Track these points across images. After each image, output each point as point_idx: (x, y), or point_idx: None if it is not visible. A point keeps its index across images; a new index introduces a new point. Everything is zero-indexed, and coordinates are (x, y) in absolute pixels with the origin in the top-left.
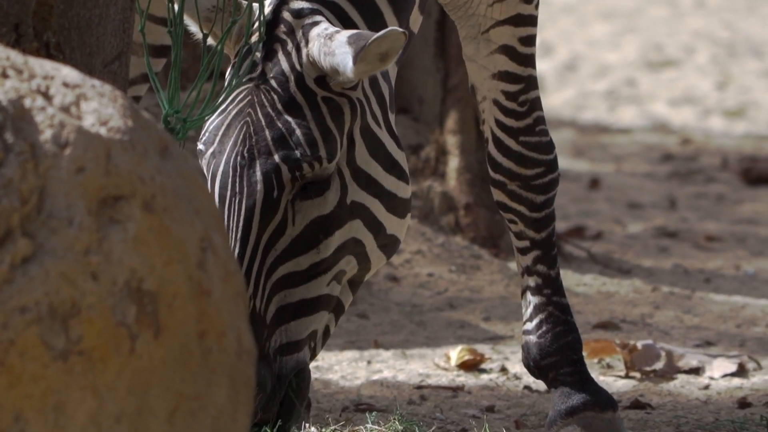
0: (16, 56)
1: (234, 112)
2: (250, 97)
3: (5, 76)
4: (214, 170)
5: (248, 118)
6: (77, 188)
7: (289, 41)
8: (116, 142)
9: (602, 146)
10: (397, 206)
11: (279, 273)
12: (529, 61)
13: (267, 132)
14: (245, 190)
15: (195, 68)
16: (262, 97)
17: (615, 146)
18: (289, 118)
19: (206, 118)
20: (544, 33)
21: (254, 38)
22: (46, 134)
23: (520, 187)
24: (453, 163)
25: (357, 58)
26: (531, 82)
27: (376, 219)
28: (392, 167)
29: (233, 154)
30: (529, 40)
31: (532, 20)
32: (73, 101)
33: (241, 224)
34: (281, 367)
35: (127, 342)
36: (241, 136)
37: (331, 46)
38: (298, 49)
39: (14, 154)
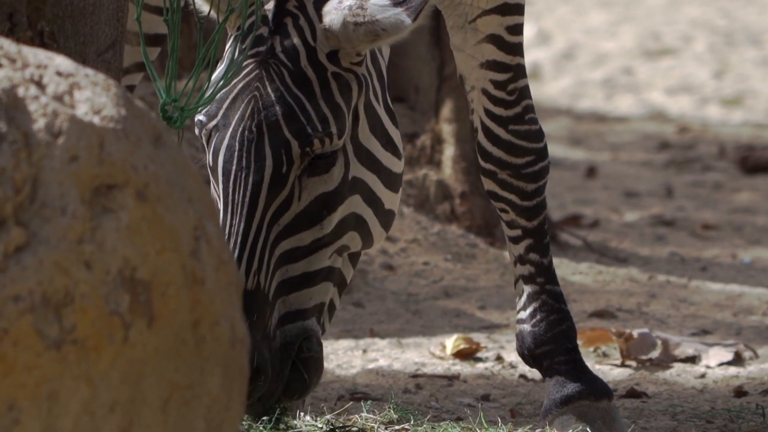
0: (9, 45)
1: (240, 86)
2: (257, 71)
3: None
4: (217, 144)
5: (256, 93)
6: (70, 177)
7: (300, 15)
8: (109, 131)
9: (599, 135)
10: (393, 181)
11: (281, 248)
12: (516, 49)
13: (277, 107)
14: (252, 165)
15: (190, 57)
16: (271, 71)
17: (612, 135)
18: (300, 93)
19: (204, 105)
20: (541, 21)
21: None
22: (40, 123)
23: (510, 176)
24: (448, 151)
25: (418, 14)
26: (519, 71)
27: (375, 194)
28: (388, 143)
29: (240, 129)
30: (517, 29)
31: (518, 9)
32: (67, 90)
33: (247, 199)
34: (284, 337)
35: (120, 331)
36: (248, 111)
37: (367, 13)
38: (311, 24)
39: (7, 143)
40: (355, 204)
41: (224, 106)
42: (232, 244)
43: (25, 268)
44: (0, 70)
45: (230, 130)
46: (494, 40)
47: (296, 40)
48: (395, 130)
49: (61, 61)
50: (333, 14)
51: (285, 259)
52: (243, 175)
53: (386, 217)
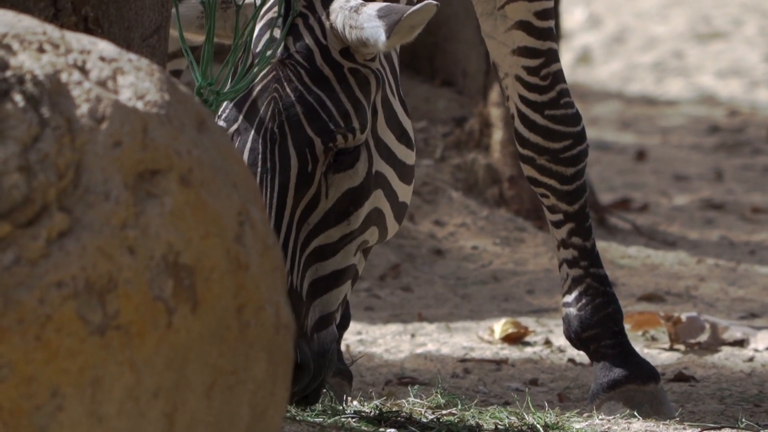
0: (52, 31)
1: (258, 88)
2: (274, 72)
3: (42, 50)
4: (239, 148)
5: (275, 94)
6: (114, 162)
7: (309, 15)
8: (153, 116)
9: (649, 118)
10: (406, 174)
11: (311, 247)
12: (547, 34)
13: (297, 106)
14: (278, 166)
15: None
16: (288, 72)
17: (662, 118)
18: (319, 92)
19: (240, 90)
20: (592, 5)
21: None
22: (83, 108)
23: (549, 161)
24: (497, 135)
25: (391, 32)
26: (551, 56)
27: (392, 188)
28: (402, 136)
29: (262, 131)
30: (545, 14)
31: None
32: (110, 75)
33: (275, 200)
34: (320, 343)
35: (164, 316)
36: (269, 113)
37: (359, 19)
38: (320, 23)
39: (51, 128)
40: (377, 198)
41: (244, 110)
42: None
43: (69, 253)
44: (43, 56)
45: (252, 133)
46: (524, 26)
47: (308, 40)
48: (408, 122)
49: (105, 47)
50: (338, 13)
51: (315, 257)
52: (269, 177)
53: (400, 210)
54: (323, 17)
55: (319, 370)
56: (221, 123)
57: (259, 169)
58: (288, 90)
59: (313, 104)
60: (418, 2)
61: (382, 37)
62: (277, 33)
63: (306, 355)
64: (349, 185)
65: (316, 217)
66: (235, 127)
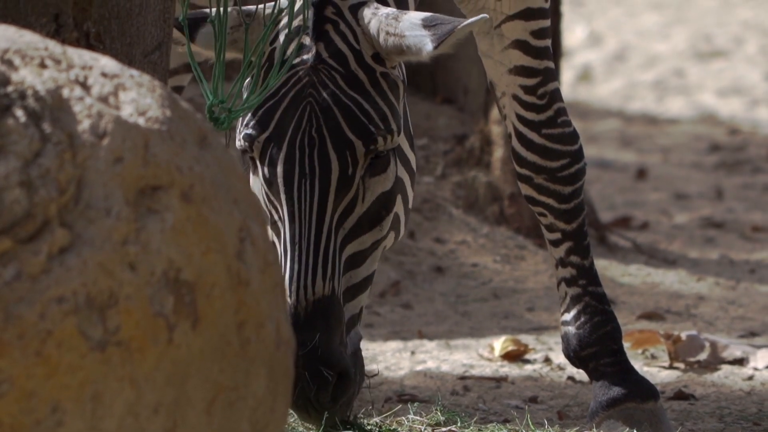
0: (54, 46)
1: (291, 94)
2: (307, 78)
3: (43, 66)
4: (274, 154)
5: (311, 99)
6: (115, 178)
7: (340, 21)
8: (154, 132)
9: (650, 136)
10: (414, 182)
11: (347, 253)
12: (544, 53)
13: (335, 110)
14: (317, 170)
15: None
16: (323, 76)
17: (662, 136)
18: (355, 95)
19: (251, 107)
20: (593, 23)
21: (294, 23)
22: (84, 124)
23: (546, 180)
24: (498, 153)
25: (440, 43)
26: (548, 75)
27: (407, 195)
28: (412, 144)
29: (299, 136)
30: (542, 33)
31: (542, 13)
32: (112, 91)
33: (315, 205)
34: (351, 345)
35: (164, 332)
36: (305, 118)
37: (398, 27)
38: (352, 28)
39: (52, 144)
40: (398, 204)
41: (276, 116)
42: (304, 251)
43: (69, 269)
44: (45, 71)
45: (288, 138)
46: (520, 45)
47: (341, 45)
48: (410, 130)
49: (107, 63)
50: (371, 18)
51: (349, 263)
52: (308, 182)
53: (407, 217)
54: (354, 23)
55: (356, 377)
56: (251, 131)
57: (296, 175)
58: (324, 94)
59: (351, 107)
60: (417, 7)
61: (429, 46)
62: (304, 40)
63: (350, 366)
64: (382, 189)
65: (351, 221)
66: (267, 134)
